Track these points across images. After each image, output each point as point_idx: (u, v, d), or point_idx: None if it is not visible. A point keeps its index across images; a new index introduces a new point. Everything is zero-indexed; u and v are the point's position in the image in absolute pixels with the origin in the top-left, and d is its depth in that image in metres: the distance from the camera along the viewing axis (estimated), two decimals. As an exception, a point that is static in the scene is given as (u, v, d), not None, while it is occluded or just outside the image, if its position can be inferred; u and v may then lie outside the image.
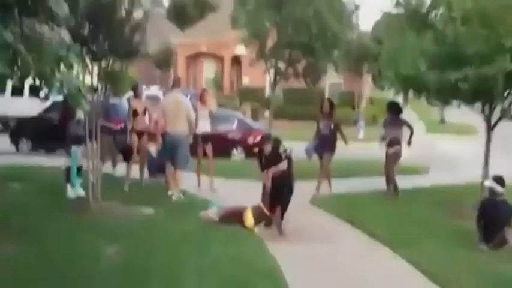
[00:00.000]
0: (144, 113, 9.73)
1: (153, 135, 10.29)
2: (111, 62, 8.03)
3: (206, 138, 10.18)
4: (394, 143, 10.28)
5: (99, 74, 7.93)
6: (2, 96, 21.86)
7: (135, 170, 9.92)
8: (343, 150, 10.83)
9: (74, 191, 8.63)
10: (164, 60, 35.04)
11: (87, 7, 7.52)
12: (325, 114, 10.53)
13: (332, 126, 10.44)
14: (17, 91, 20.67)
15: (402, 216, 8.52)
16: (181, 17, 46.49)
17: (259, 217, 7.68)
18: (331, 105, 10.65)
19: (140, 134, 9.71)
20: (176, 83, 9.81)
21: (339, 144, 10.59)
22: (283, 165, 7.68)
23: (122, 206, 8.12)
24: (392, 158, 10.34)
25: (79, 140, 8.53)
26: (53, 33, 6.50)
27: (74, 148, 8.66)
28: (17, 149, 15.87)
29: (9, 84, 21.07)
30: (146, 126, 9.82)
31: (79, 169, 8.71)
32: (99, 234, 6.57)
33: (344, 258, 6.69)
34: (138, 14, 8.43)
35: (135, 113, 9.60)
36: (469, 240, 7.30)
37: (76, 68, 5.74)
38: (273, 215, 7.69)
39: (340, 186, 10.83)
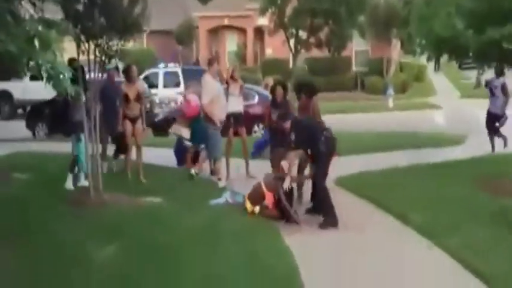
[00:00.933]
0: (137, 98, 8.76)
1: (186, 119, 9.45)
2: (108, 38, 7.23)
3: (238, 118, 9.27)
4: None
5: (95, 53, 7.17)
6: (21, 81, 21.63)
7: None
8: (372, 122, 9.86)
9: (76, 181, 8.01)
10: (185, 36, 34.15)
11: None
12: (280, 103, 8.14)
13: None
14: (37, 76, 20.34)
15: (439, 197, 7.58)
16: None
17: (256, 198, 6.98)
18: (285, 90, 8.30)
19: (133, 121, 8.80)
20: (208, 63, 9.07)
21: (366, 116, 9.55)
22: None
23: (126, 197, 7.43)
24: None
25: (82, 126, 7.91)
26: (35, 8, 5.83)
27: (78, 135, 8.00)
28: (34, 135, 15.43)
29: (27, 68, 20.94)
30: (139, 113, 8.87)
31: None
32: (96, 233, 5.91)
33: (373, 251, 5.86)
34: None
35: (127, 99, 8.67)
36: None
37: (59, 46, 4.95)
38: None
39: (371, 162, 9.95)
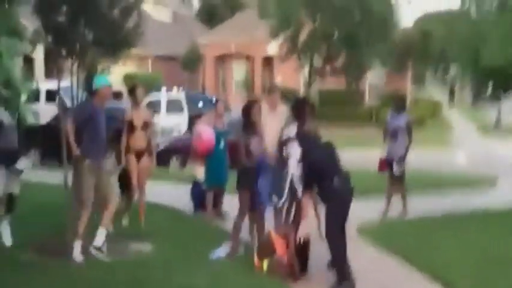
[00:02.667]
0: (144, 127, 7.10)
1: (199, 155, 7.70)
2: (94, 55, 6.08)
3: None
4: None
5: (78, 71, 6.01)
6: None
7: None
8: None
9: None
10: (192, 62, 33.31)
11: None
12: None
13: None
14: (34, 97, 19.15)
15: (489, 256, 6.26)
16: (211, 17, 44.91)
17: (264, 250, 5.69)
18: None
19: (139, 155, 7.19)
20: (268, 91, 7.30)
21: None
22: None
23: (110, 243, 6.14)
24: None
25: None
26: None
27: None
28: (26, 163, 14.16)
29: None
30: (145, 146, 7.17)
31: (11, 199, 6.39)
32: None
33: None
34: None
35: (132, 128, 7.03)
36: None
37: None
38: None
39: (393, 205, 8.67)
